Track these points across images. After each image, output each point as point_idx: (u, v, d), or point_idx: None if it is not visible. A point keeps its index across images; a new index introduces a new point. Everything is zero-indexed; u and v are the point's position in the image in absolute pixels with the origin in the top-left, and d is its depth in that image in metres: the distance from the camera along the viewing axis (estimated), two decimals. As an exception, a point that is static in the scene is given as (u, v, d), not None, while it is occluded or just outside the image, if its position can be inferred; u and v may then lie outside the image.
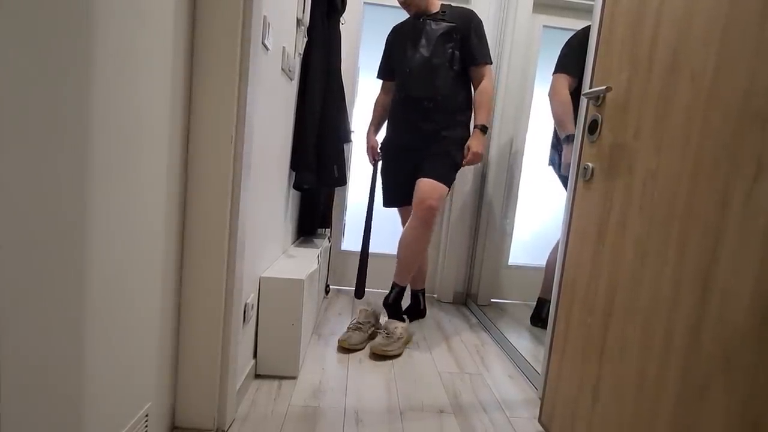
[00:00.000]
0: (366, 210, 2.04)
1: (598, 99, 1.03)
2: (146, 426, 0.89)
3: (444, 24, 1.81)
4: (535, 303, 2.11)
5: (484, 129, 1.81)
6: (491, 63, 1.86)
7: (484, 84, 1.83)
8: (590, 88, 1.08)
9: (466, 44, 1.81)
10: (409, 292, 2.09)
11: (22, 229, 0.53)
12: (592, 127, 1.05)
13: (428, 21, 1.84)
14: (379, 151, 2.06)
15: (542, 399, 1.22)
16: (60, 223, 0.59)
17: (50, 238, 0.57)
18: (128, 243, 0.76)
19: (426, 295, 2.20)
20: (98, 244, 0.68)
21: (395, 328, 1.75)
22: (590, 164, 1.05)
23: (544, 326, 1.90)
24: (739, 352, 0.63)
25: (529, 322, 2.13)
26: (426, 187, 1.78)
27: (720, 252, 0.67)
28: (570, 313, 1.10)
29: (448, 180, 1.82)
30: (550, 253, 1.99)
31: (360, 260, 2.03)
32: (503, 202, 2.46)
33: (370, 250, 2.04)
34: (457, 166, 1.86)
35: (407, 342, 1.79)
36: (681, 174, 0.76)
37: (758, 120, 0.63)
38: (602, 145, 1.02)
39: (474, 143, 1.80)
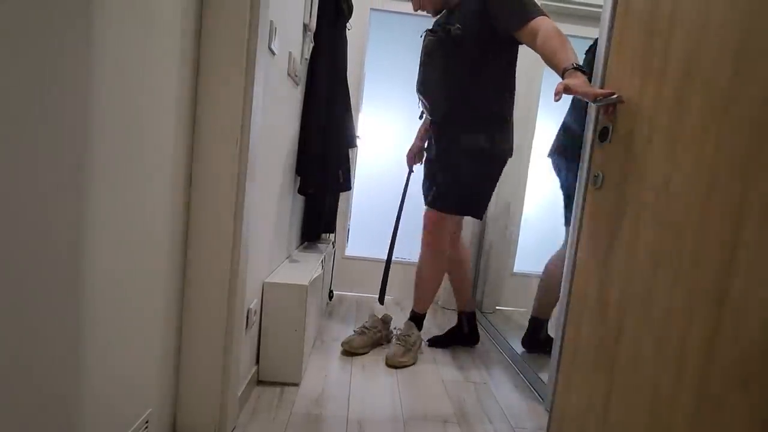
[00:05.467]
0: (396, 216, 1.92)
1: (608, 106, 1.02)
2: (146, 433, 0.87)
3: (438, 34, 1.58)
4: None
5: (574, 67, 1.18)
6: (533, 17, 1.41)
7: (540, 37, 1.37)
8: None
9: (486, 19, 1.48)
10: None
11: (22, 231, 0.52)
12: (603, 134, 1.04)
13: (427, 32, 1.66)
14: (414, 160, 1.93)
15: (550, 411, 1.19)
16: (62, 226, 0.58)
17: (50, 241, 0.57)
18: (131, 247, 0.75)
19: (433, 303, 2.02)
20: (100, 248, 0.67)
21: (410, 336, 1.73)
22: (600, 172, 1.03)
23: (542, 350, 1.77)
24: (757, 367, 0.61)
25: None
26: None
27: (737, 263, 0.65)
28: (580, 324, 1.07)
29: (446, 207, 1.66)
30: (549, 266, 1.90)
31: (385, 266, 1.94)
32: (509, 209, 2.44)
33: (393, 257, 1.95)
34: (465, 184, 1.64)
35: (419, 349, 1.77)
36: (696, 183, 0.74)
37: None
38: (613, 153, 1.00)
39: (570, 82, 1.11)
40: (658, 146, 0.85)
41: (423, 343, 1.84)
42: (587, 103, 1.14)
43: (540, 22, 1.41)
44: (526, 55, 1.81)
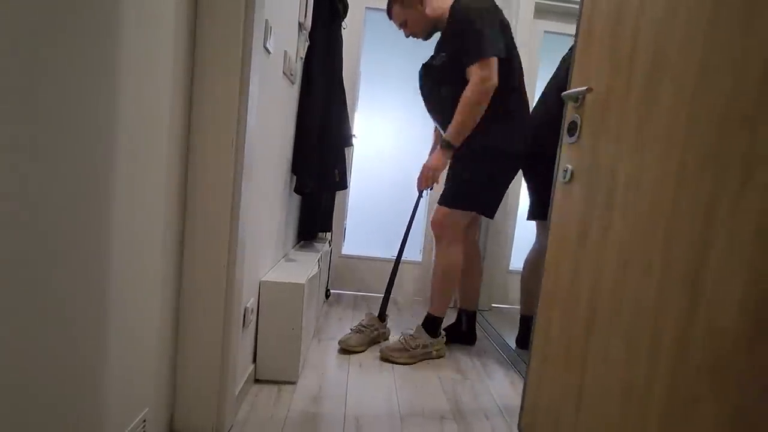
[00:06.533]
0: (404, 232, 1.92)
1: (577, 99, 1.01)
2: (144, 432, 0.88)
3: (429, 67, 1.74)
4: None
5: (446, 145, 1.62)
6: (483, 57, 1.53)
7: (467, 88, 1.56)
8: (570, 88, 1.05)
9: (459, 53, 1.62)
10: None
11: (26, 236, 0.52)
12: (572, 128, 1.03)
13: (422, 66, 1.79)
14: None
15: (522, 404, 1.18)
16: (63, 228, 0.58)
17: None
18: (128, 246, 0.75)
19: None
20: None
21: (415, 339, 1.69)
22: (569, 166, 1.02)
23: None
24: (729, 361, 0.61)
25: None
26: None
27: (707, 258, 0.65)
28: (551, 319, 1.07)
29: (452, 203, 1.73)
30: (525, 266, 1.92)
31: (386, 289, 1.90)
32: (505, 206, 2.44)
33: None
34: (467, 185, 1.72)
35: (427, 358, 1.71)
36: (665, 178, 0.74)
37: (745, 123, 0.61)
38: (582, 147, 0.99)
39: (429, 159, 1.71)
40: (626, 141, 0.84)
41: (432, 353, 1.73)
42: (555, 100, 1.19)
43: (481, 66, 1.54)
44: (522, 58, 1.82)
